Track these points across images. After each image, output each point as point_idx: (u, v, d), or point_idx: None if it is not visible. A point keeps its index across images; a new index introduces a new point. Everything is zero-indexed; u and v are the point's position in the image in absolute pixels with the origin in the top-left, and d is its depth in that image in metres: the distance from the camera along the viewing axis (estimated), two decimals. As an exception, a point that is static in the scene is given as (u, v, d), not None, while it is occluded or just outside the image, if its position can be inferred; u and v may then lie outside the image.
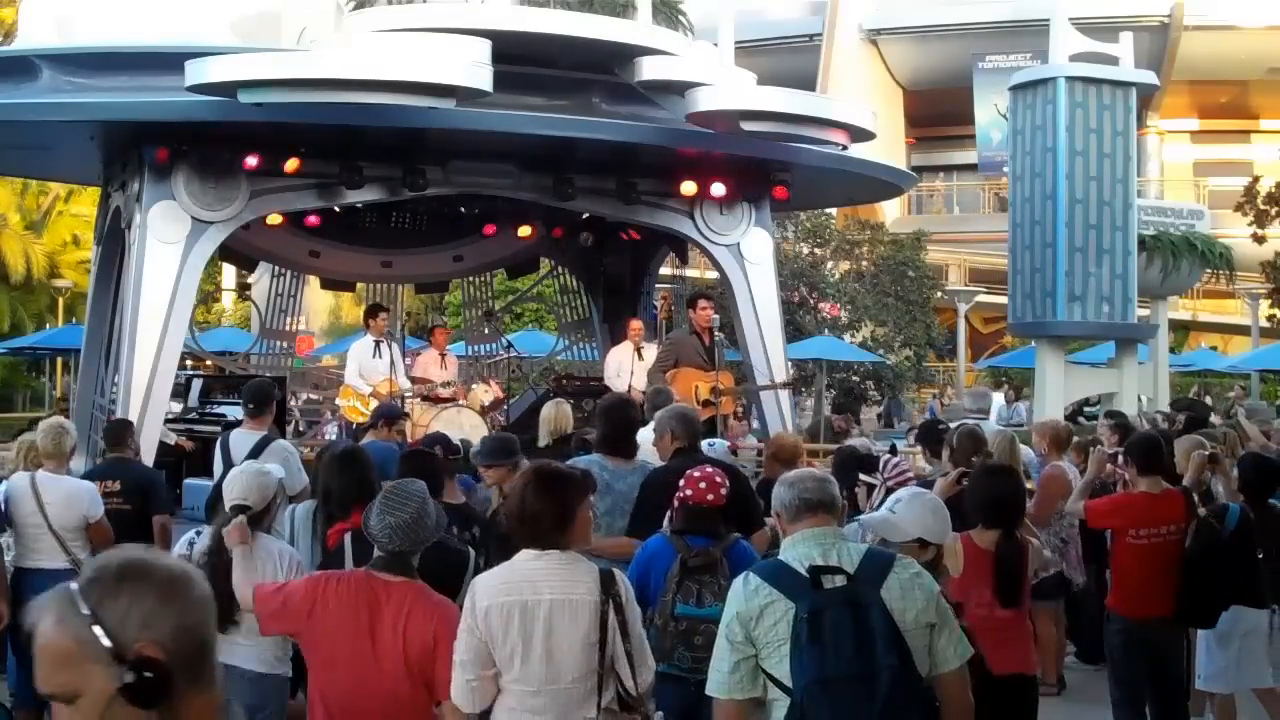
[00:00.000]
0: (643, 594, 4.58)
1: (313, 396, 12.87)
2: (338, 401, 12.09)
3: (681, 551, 4.79)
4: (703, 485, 4.90)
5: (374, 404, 10.36)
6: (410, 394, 11.26)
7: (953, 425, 7.32)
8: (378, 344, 11.51)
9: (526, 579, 3.66)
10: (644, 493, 5.62)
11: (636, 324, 12.02)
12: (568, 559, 3.70)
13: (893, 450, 6.83)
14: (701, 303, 10.72)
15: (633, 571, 4.78)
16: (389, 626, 3.80)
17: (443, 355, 12.31)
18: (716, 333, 10.68)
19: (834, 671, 3.09)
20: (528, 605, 3.62)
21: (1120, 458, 7.07)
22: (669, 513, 5.03)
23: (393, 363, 11.29)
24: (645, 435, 6.77)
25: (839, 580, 3.22)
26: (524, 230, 13.90)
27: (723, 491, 4.91)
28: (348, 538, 4.77)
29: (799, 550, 3.35)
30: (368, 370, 11.42)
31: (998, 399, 24.48)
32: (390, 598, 3.84)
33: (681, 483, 4.99)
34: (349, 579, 4.00)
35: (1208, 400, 21.12)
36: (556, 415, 7.94)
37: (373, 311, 11.93)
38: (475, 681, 3.65)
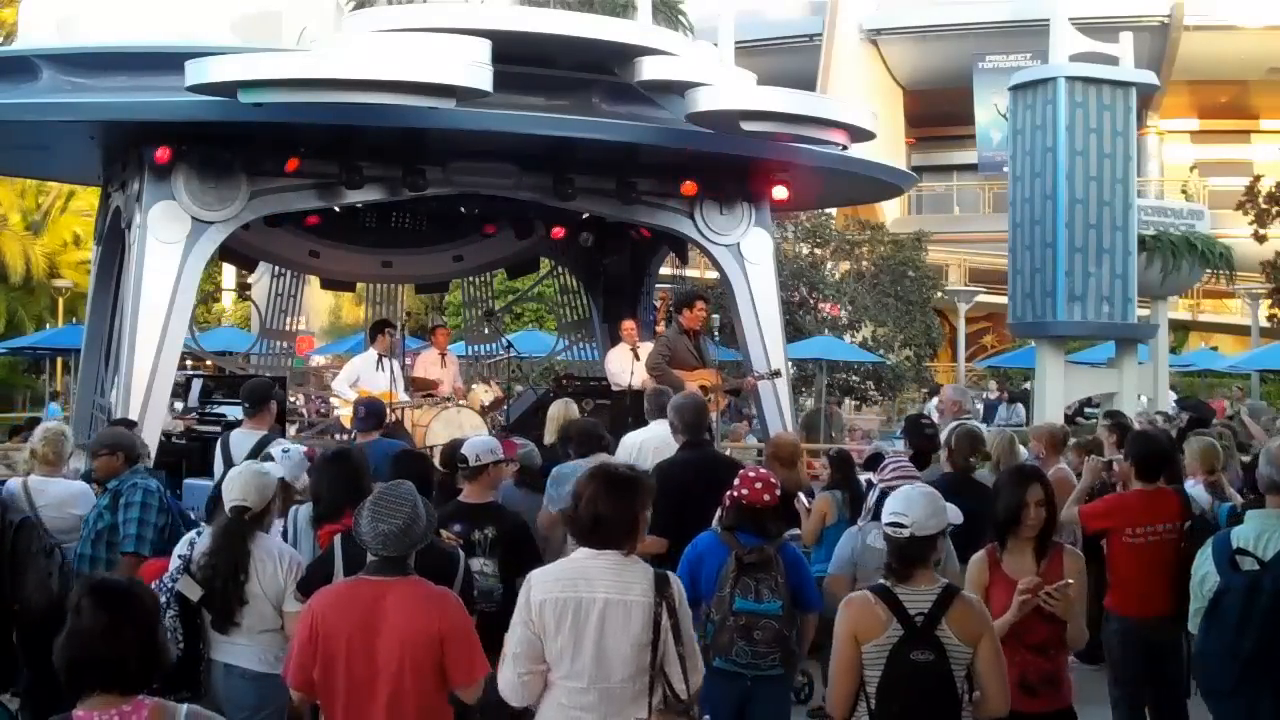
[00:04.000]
0: (694, 590, 4.65)
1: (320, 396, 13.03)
2: (337, 411, 12.07)
3: (735, 548, 4.85)
4: (759, 486, 5.02)
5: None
6: (408, 404, 11.19)
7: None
8: (380, 359, 11.48)
9: (582, 576, 3.71)
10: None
11: (629, 324, 12.01)
12: (624, 560, 3.74)
13: (878, 454, 6.86)
14: (699, 304, 10.72)
15: (683, 568, 4.86)
16: (390, 625, 3.81)
17: (443, 355, 12.30)
18: (715, 333, 10.68)
19: (1213, 646, 4.18)
20: (582, 602, 3.67)
21: (1115, 464, 7.08)
22: (720, 510, 5.08)
23: (394, 378, 11.28)
24: (641, 435, 6.79)
25: (1252, 565, 4.17)
26: (524, 231, 13.91)
27: (777, 492, 5.05)
28: (337, 540, 4.77)
29: (1247, 528, 4.38)
30: (366, 383, 11.38)
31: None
32: (388, 597, 3.85)
33: (737, 482, 5.08)
34: (342, 590, 4.00)
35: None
36: (564, 414, 7.99)
37: (380, 327, 11.85)
38: (527, 676, 3.71)
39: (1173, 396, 14.44)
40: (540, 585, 3.74)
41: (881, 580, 3.93)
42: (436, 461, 7.13)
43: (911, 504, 3.91)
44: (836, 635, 3.86)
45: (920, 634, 3.78)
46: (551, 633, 3.67)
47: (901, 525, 3.87)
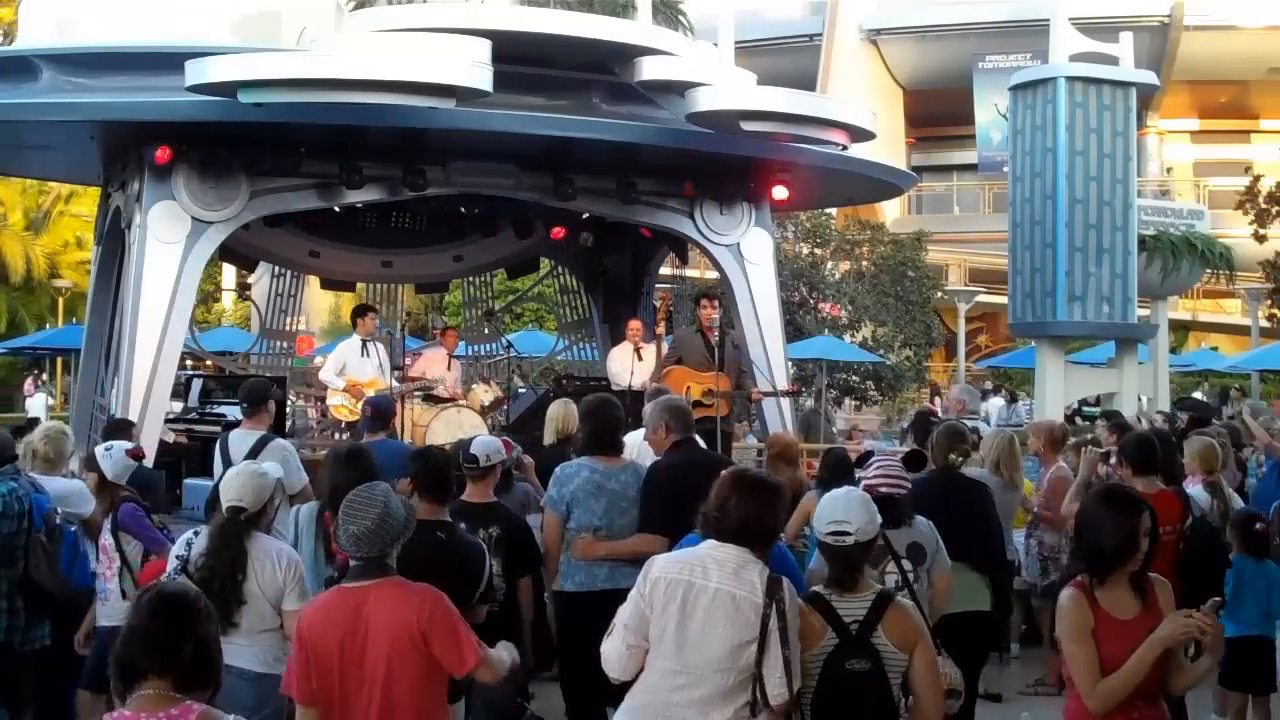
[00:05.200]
0: None
1: (294, 399, 13.01)
2: (327, 401, 12.06)
3: None
4: None
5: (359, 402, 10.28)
6: (400, 391, 11.17)
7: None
8: (365, 344, 11.48)
9: (701, 564, 3.75)
10: (649, 488, 5.62)
11: (635, 324, 12.02)
12: (744, 556, 3.75)
13: (869, 454, 6.84)
14: (704, 301, 10.75)
15: None
16: (375, 629, 3.81)
17: (450, 357, 12.28)
18: (728, 332, 10.67)
19: None
20: (694, 586, 3.70)
21: (1113, 457, 7.08)
22: (701, 514, 5.06)
23: (380, 364, 11.26)
24: (640, 436, 6.78)
25: None
26: (524, 231, 13.90)
27: None
28: None
29: None
30: (353, 370, 11.38)
31: (996, 402, 24.52)
32: (368, 601, 3.84)
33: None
34: (327, 600, 4.01)
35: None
36: (564, 414, 7.94)
37: (361, 311, 11.89)
38: (634, 648, 3.74)
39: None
40: (660, 565, 3.80)
41: (815, 589, 3.89)
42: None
43: (851, 510, 3.85)
44: None
45: (856, 642, 3.74)
46: (658, 610, 3.70)
47: (846, 533, 3.81)
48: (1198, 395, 13.82)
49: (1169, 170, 37.91)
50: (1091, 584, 3.91)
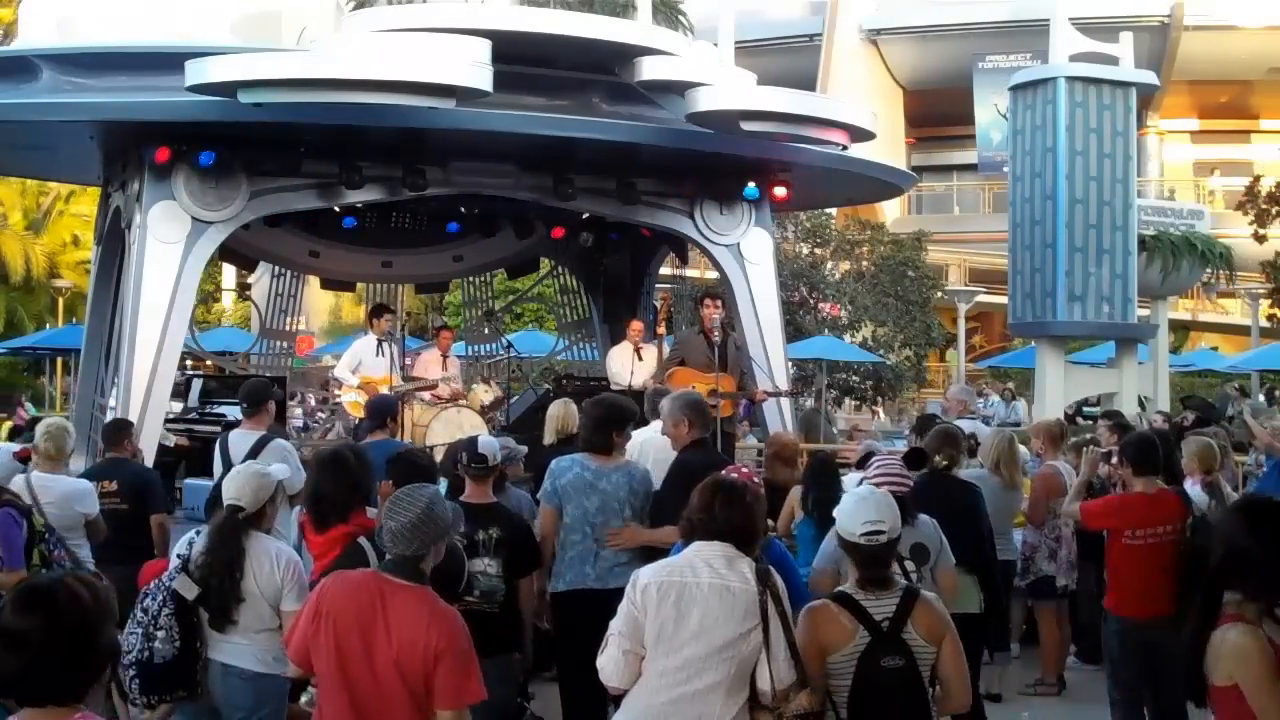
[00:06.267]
0: None
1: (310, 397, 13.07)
2: (341, 399, 12.08)
3: None
4: None
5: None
6: (405, 389, 11.20)
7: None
8: (380, 343, 11.52)
9: (689, 564, 3.82)
10: (675, 483, 5.58)
11: (636, 325, 12.03)
12: (731, 552, 3.81)
13: (870, 454, 6.83)
14: (706, 302, 10.73)
15: None
16: (391, 630, 3.77)
17: (445, 357, 12.30)
18: (730, 332, 10.67)
19: None
20: (687, 585, 3.75)
21: (1114, 457, 7.08)
22: (685, 520, 5.07)
23: (392, 362, 11.29)
24: (642, 435, 6.78)
25: None
26: (524, 231, 13.91)
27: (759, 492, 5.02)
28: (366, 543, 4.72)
29: None
30: (368, 368, 11.42)
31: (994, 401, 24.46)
32: (395, 601, 3.81)
33: None
34: (355, 578, 3.98)
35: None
36: (564, 414, 7.95)
37: (377, 311, 11.93)
38: (629, 654, 3.77)
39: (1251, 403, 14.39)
40: (648, 572, 3.85)
41: (842, 589, 3.93)
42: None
43: (881, 509, 3.94)
44: (800, 649, 3.81)
45: (888, 639, 3.79)
46: (652, 611, 3.72)
47: (880, 531, 3.88)
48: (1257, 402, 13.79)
49: (1213, 171, 37.91)
50: (1260, 617, 3.38)
